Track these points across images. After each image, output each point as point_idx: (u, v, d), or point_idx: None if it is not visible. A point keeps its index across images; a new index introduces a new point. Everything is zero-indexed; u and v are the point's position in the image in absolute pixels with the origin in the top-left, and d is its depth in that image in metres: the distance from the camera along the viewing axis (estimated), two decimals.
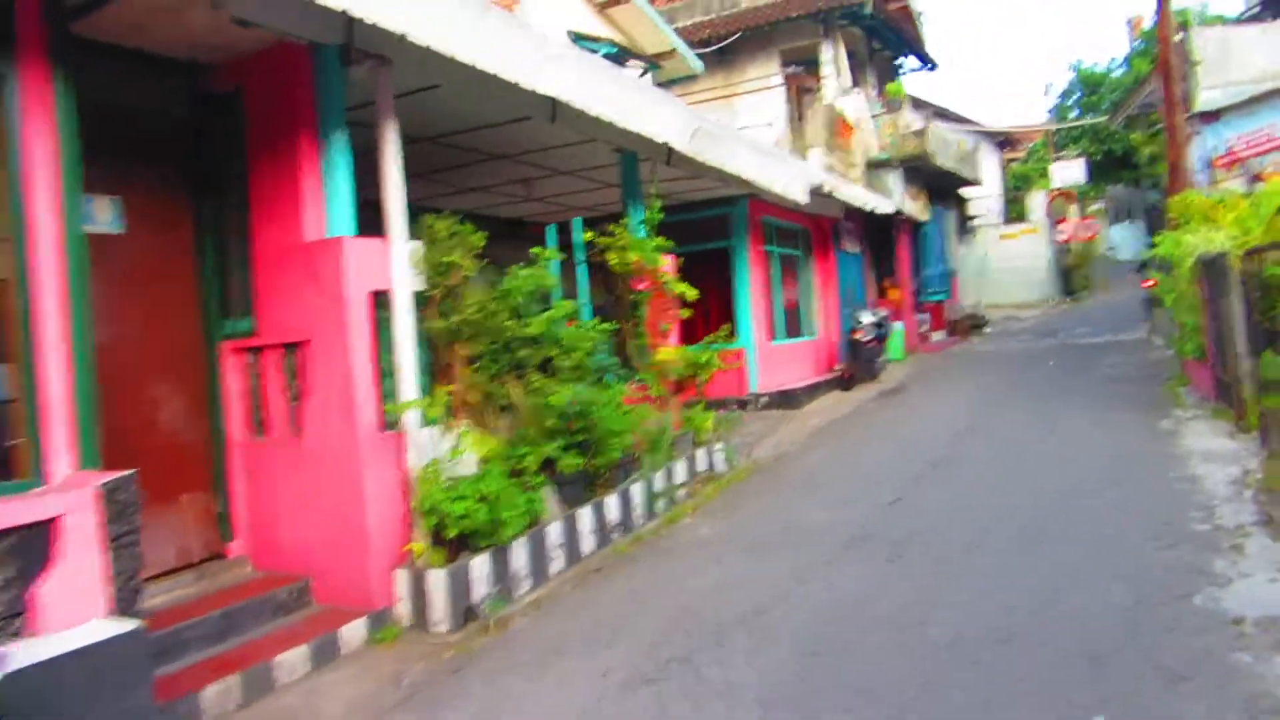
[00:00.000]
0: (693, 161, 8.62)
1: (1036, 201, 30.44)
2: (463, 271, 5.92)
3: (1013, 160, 44.32)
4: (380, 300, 5.36)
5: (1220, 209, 10.27)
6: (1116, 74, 38.28)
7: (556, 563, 6.10)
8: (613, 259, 7.74)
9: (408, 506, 5.34)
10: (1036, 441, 8.96)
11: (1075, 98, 40.94)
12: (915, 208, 20.57)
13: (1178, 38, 13.97)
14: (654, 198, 8.44)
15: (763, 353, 13.27)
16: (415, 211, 5.81)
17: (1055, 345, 18.28)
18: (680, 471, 8.11)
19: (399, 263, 5.44)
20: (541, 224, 12.00)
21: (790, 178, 10.52)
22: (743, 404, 12.99)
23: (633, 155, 8.99)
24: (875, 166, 19.71)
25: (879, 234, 20.11)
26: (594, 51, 15.24)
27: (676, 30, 20.44)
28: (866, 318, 15.01)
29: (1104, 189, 39.95)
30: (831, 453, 9.77)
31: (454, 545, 5.31)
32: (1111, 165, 38.14)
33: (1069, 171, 30.47)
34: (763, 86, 19.61)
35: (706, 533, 6.97)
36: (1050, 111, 38.46)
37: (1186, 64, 14.29)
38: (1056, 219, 29.58)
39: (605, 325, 7.49)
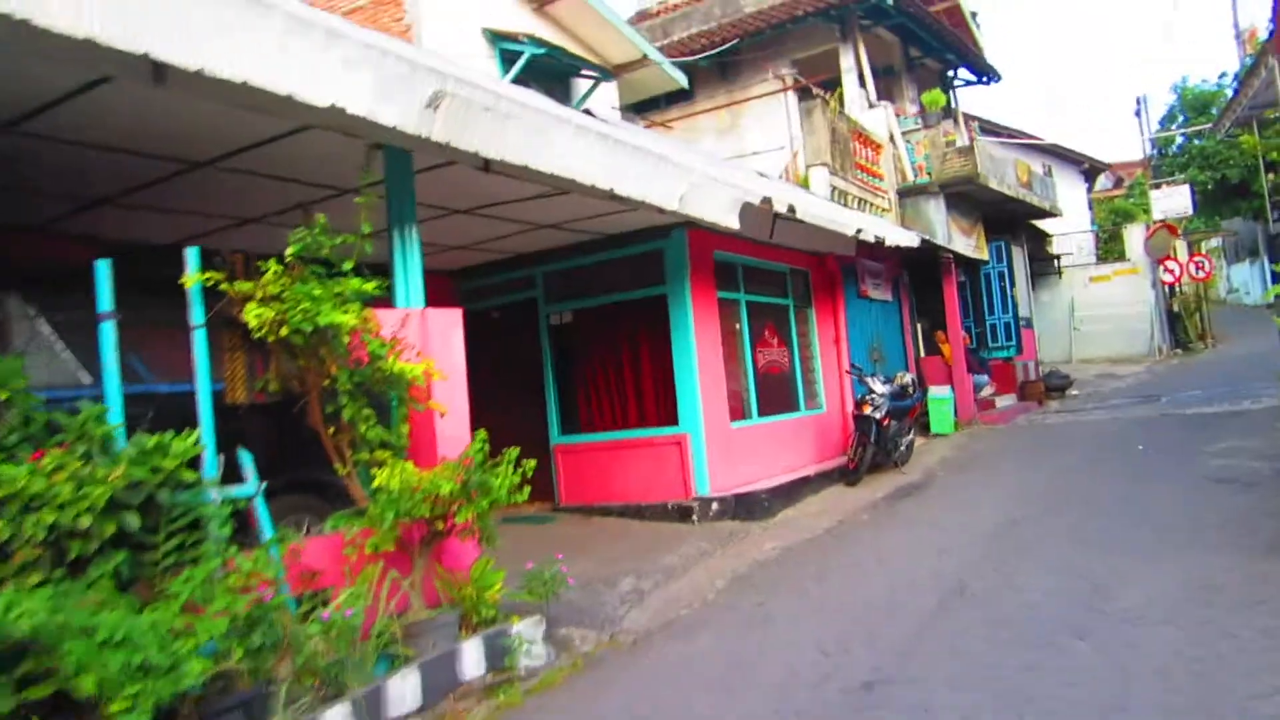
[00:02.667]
0: (460, 152, 5.19)
1: (1134, 237, 25.78)
2: None
3: (1112, 197, 39.37)
4: None
5: None
6: (1229, 94, 33.37)
7: None
8: (255, 317, 4.27)
9: None
10: (1069, 633, 5.03)
11: (1179, 122, 35.96)
12: (966, 244, 16.57)
13: None
14: (365, 208, 5.01)
15: (718, 439, 9.59)
16: None
17: (1153, 417, 13.91)
18: (407, 690, 4.54)
19: None
20: None
21: (694, 190, 6.95)
22: (685, 513, 9.28)
23: (398, 151, 5.65)
24: (912, 194, 15.88)
25: (925, 277, 16.17)
26: (517, 54, 12.13)
27: (674, 43, 17.27)
28: (879, 386, 11.15)
29: (1217, 223, 34.67)
30: (745, 623, 6.01)
31: None
32: (1226, 194, 32.95)
33: (1172, 201, 25.79)
34: (767, 102, 16.14)
35: None
36: (1150, 140, 33.71)
37: None
38: (1159, 257, 24.88)
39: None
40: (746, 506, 9.30)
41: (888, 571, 6.79)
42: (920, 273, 16.15)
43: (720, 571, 7.31)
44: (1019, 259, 19.31)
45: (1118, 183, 41.81)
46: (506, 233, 8.92)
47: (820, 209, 9.84)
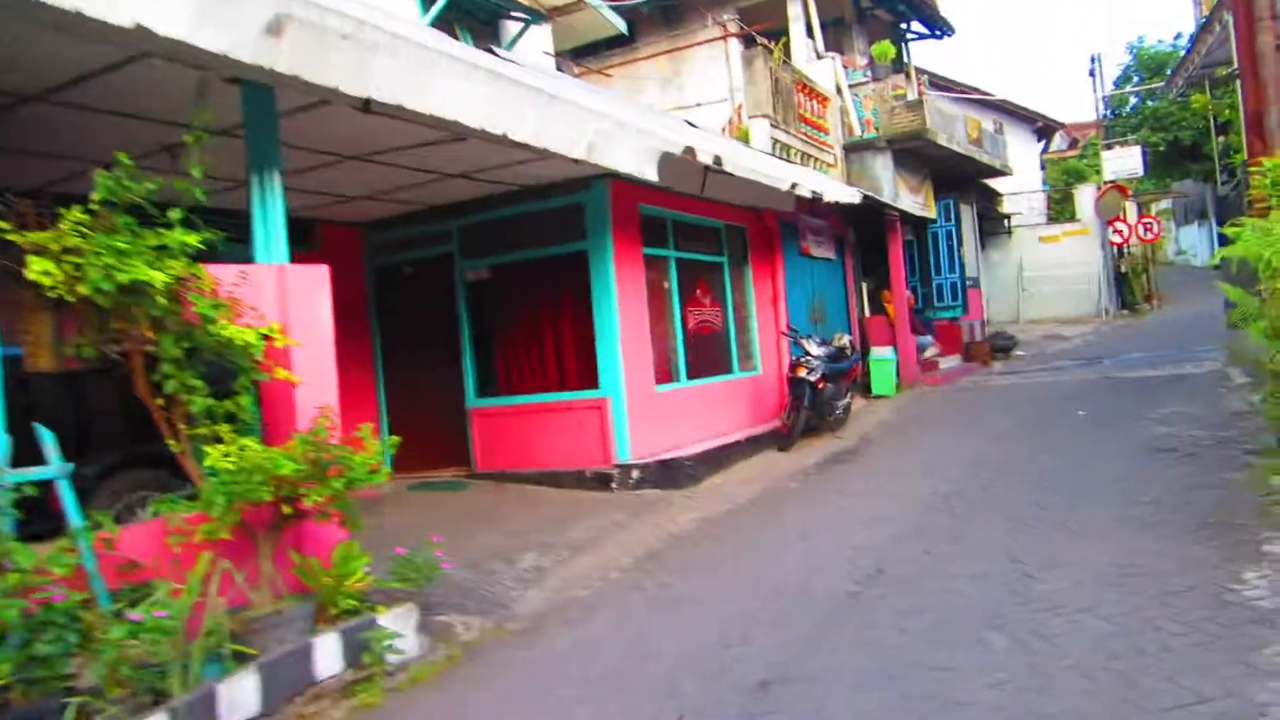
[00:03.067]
0: (327, 90, 4.53)
1: (1085, 197, 25.57)
2: None
3: (1066, 157, 39.24)
4: None
5: None
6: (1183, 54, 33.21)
7: None
8: (43, 273, 3.61)
9: None
10: (987, 624, 4.62)
11: (1134, 83, 35.81)
12: (913, 202, 16.13)
13: None
14: (195, 147, 4.36)
15: (641, 403, 9.09)
16: None
17: (1095, 380, 13.67)
18: (244, 693, 4.00)
19: None
20: None
21: (603, 137, 6.35)
22: (604, 481, 8.79)
23: (256, 87, 4.96)
24: (858, 149, 15.38)
25: (871, 235, 15.72)
26: None
27: None
28: (815, 348, 10.71)
29: (1168, 184, 34.70)
30: (647, 605, 5.55)
31: None
32: (1177, 157, 33.03)
33: (1123, 161, 25.60)
34: (711, 50, 15.47)
35: None
36: (1104, 99, 33.44)
37: None
38: (1109, 218, 24.69)
39: None
40: (670, 474, 8.83)
41: (807, 548, 6.35)
42: (866, 231, 15.71)
43: (631, 546, 6.83)
44: (968, 218, 18.96)
45: (1072, 144, 41.67)
46: (410, 182, 8.25)
47: (752, 162, 9.27)
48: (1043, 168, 31.57)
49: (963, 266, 17.50)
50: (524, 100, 5.60)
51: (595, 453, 8.93)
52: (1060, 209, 28.16)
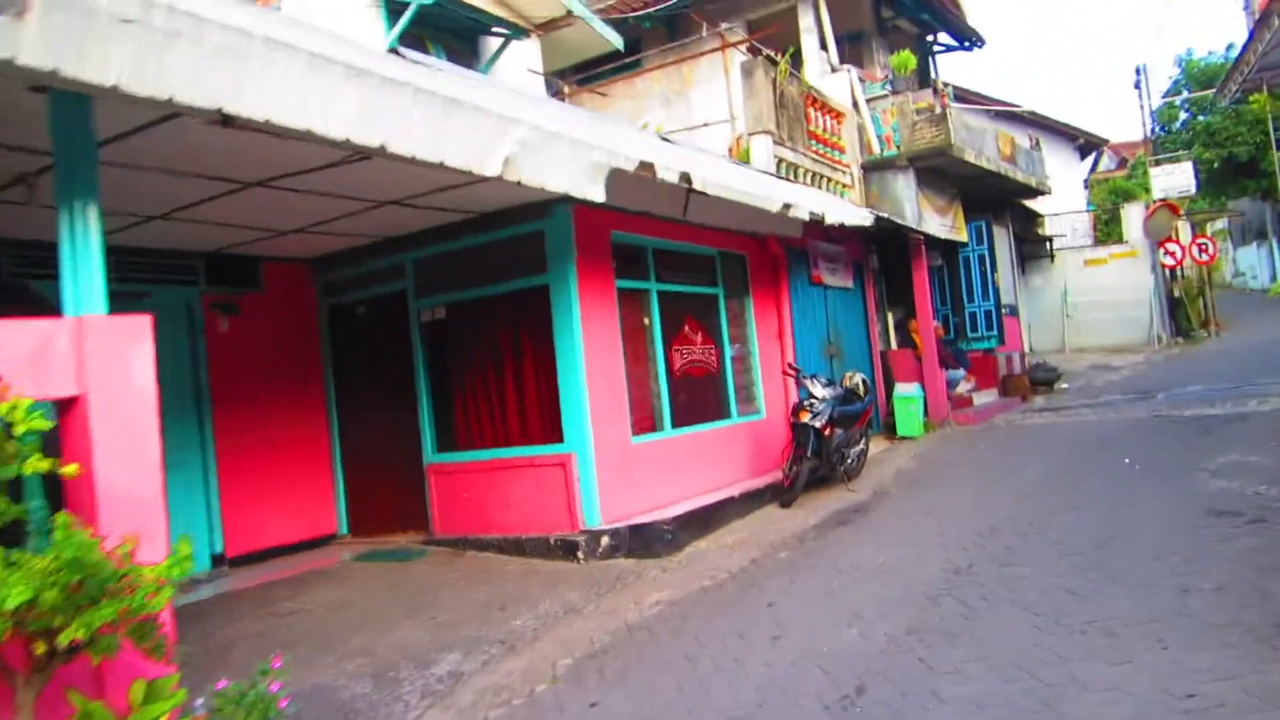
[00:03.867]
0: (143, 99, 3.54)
1: (1133, 217, 24.00)
2: None
3: (1114, 178, 37.49)
4: None
5: None
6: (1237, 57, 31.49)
7: None
8: None
9: None
10: None
11: (1183, 98, 34.10)
12: (940, 224, 14.89)
13: None
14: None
15: (613, 458, 7.97)
16: None
17: (1145, 419, 12.24)
18: None
19: None
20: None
21: (527, 149, 5.29)
22: (570, 549, 7.66)
23: (66, 96, 3.99)
24: (878, 168, 14.21)
25: (897, 261, 14.48)
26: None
27: (609, 5, 15.54)
28: (820, 389, 9.50)
29: (1224, 203, 32.85)
30: None
31: None
32: (1233, 173, 31.23)
33: (1174, 178, 24.01)
34: (711, 63, 14.42)
35: None
36: (1152, 115, 31.79)
37: None
38: (1160, 239, 23.11)
39: None
40: (645, 540, 7.68)
41: (777, 652, 5.15)
42: (891, 257, 14.48)
43: (574, 642, 5.68)
44: (1002, 241, 17.60)
45: (1121, 164, 39.93)
46: (342, 212, 7.28)
47: (734, 180, 8.16)
48: (1087, 187, 30.01)
49: (997, 293, 16.14)
50: (407, 104, 4.57)
51: (560, 516, 7.81)
52: (1107, 230, 26.57)
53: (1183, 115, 33.91)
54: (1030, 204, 21.18)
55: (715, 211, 8.90)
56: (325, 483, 9.31)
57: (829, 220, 9.54)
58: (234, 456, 8.44)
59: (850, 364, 13.07)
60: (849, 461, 9.92)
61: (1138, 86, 27.64)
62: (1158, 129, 32.35)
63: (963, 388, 15.03)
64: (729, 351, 10.11)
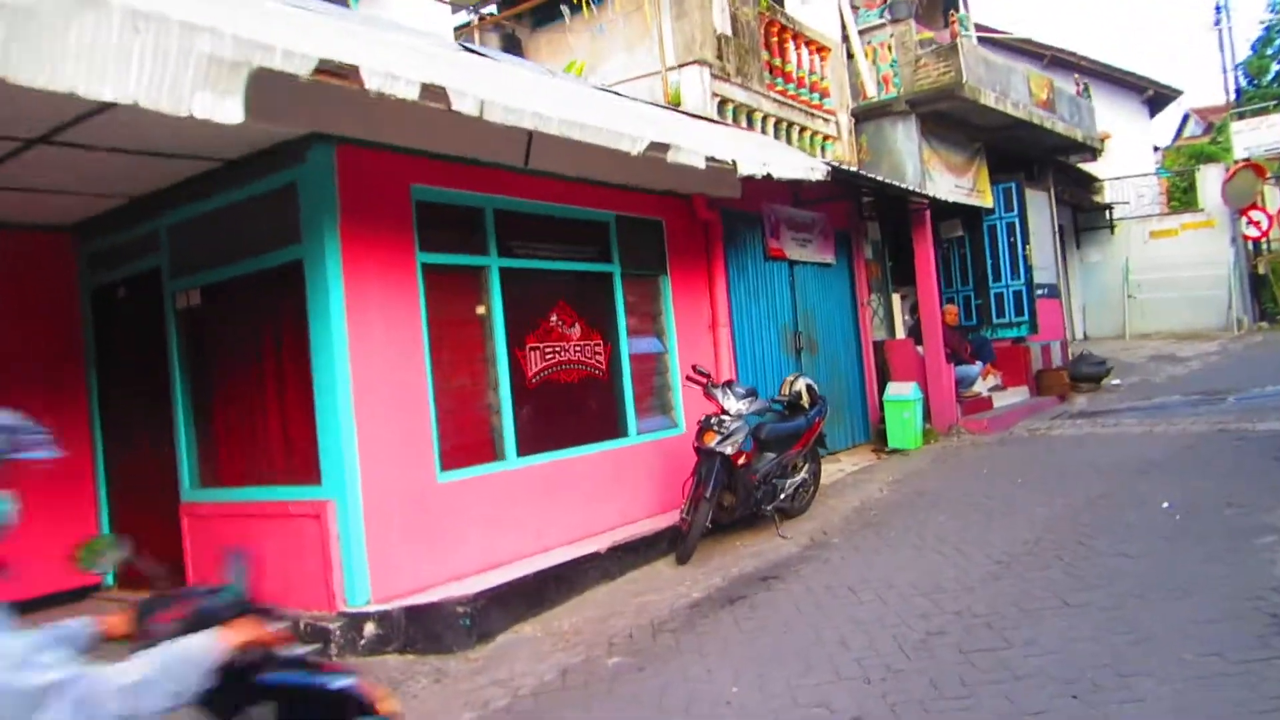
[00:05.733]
0: None
1: (1209, 181, 20.60)
2: None
3: (1195, 143, 33.53)
4: None
5: None
6: None
7: None
8: None
9: None
10: None
11: (1277, 46, 30.10)
12: (955, 185, 12.10)
13: None
14: None
15: (402, 505, 5.59)
16: None
17: (1206, 433, 9.38)
18: None
19: None
20: None
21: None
22: (323, 639, 5.31)
23: None
24: (873, 116, 11.50)
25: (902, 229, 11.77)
26: None
27: None
28: (734, 402, 6.97)
29: None
30: None
31: None
32: None
33: (1260, 134, 20.53)
34: None
35: None
36: (1238, 67, 27.96)
37: None
38: (1242, 206, 19.71)
39: None
40: (431, 627, 5.32)
41: None
42: (904, 226, 11.73)
43: None
44: (1039, 206, 14.60)
45: (1207, 129, 35.80)
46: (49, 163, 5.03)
47: (598, 114, 5.63)
48: (1156, 149, 26.45)
49: (1029, 270, 13.26)
50: None
51: (316, 589, 5.48)
52: (1182, 199, 23.08)
53: (1275, 67, 29.94)
54: (1086, 167, 18.06)
55: (587, 161, 6.40)
56: (86, 517, 7.13)
57: (743, 171, 6.92)
58: None
59: (827, 358, 10.47)
60: (781, 496, 7.37)
61: (1217, 24, 23.98)
62: (1246, 82, 28.50)
63: (980, 386, 12.26)
64: (626, 348, 7.62)
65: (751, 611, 5.48)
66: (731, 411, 6.91)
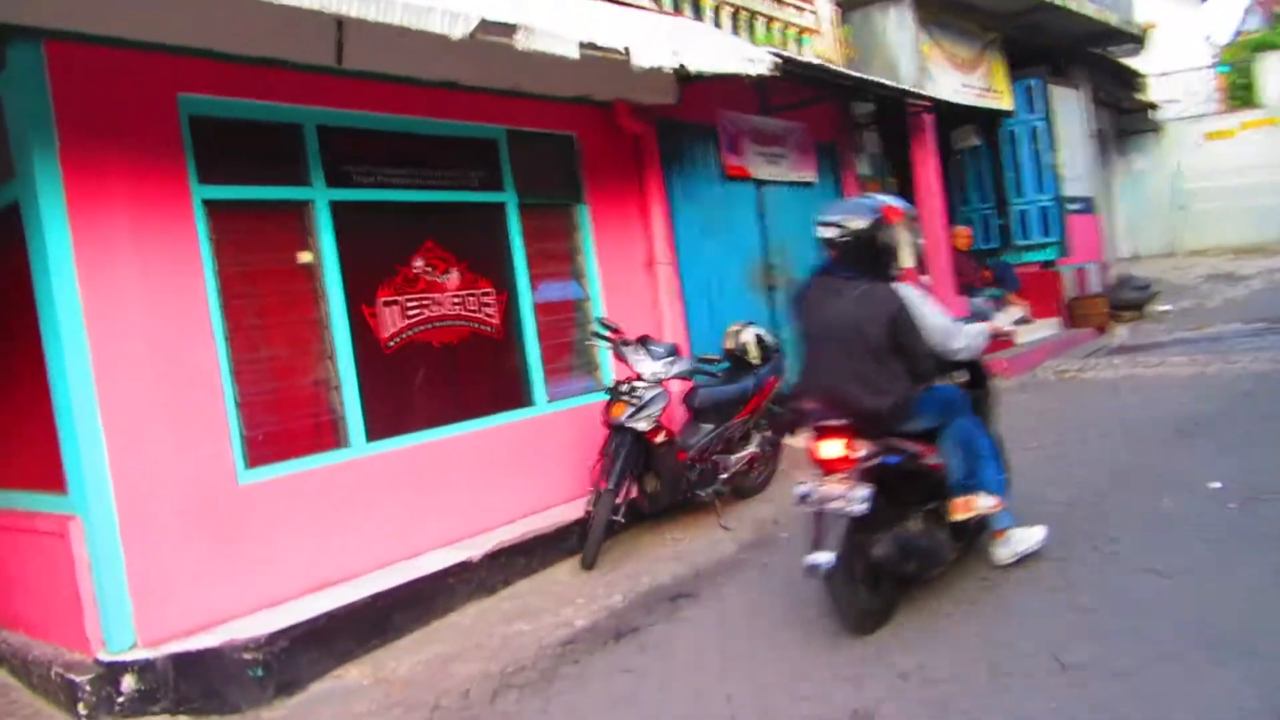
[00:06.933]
0: None
1: (1271, 72, 18.23)
2: None
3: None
4: None
5: None
6: None
7: None
8: None
9: None
10: None
11: None
12: (961, 83, 10.25)
13: None
14: None
15: (183, 516, 4.24)
16: None
17: (1273, 376, 7.67)
18: None
19: None
20: None
21: None
22: (70, 695, 4.01)
23: None
24: (858, 4, 9.67)
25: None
26: None
27: None
28: (648, 364, 5.49)
29: None
30: None
31: None
32: None
33: None
34: None
35: None
36: None
37: None
38: None
39: None
40: (208, 681, 3.99)
41: None
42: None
43: None
44: (1069, 106, 12.59)
45: (1270, 20, 32.53)
46: None
47: None
48: (1209, 40, 23.81)
49: (1058, 182, 11.41)
50: None
51: (70, 625, 4.17)
52: (1242, 96, 20.59)
53: None
54: (1127, 62, 15.86)
55: (430, 57, 4.82)
56: None
57: (641, 62, 5.23)
58: None
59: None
60: (723, 477, 5.89)
61: None
62: None
63: (1001, 320, 10.51)
64: (528, 297, 6.12)
65: (637, 654, 4.06)
66: (647, 376, 5.41)
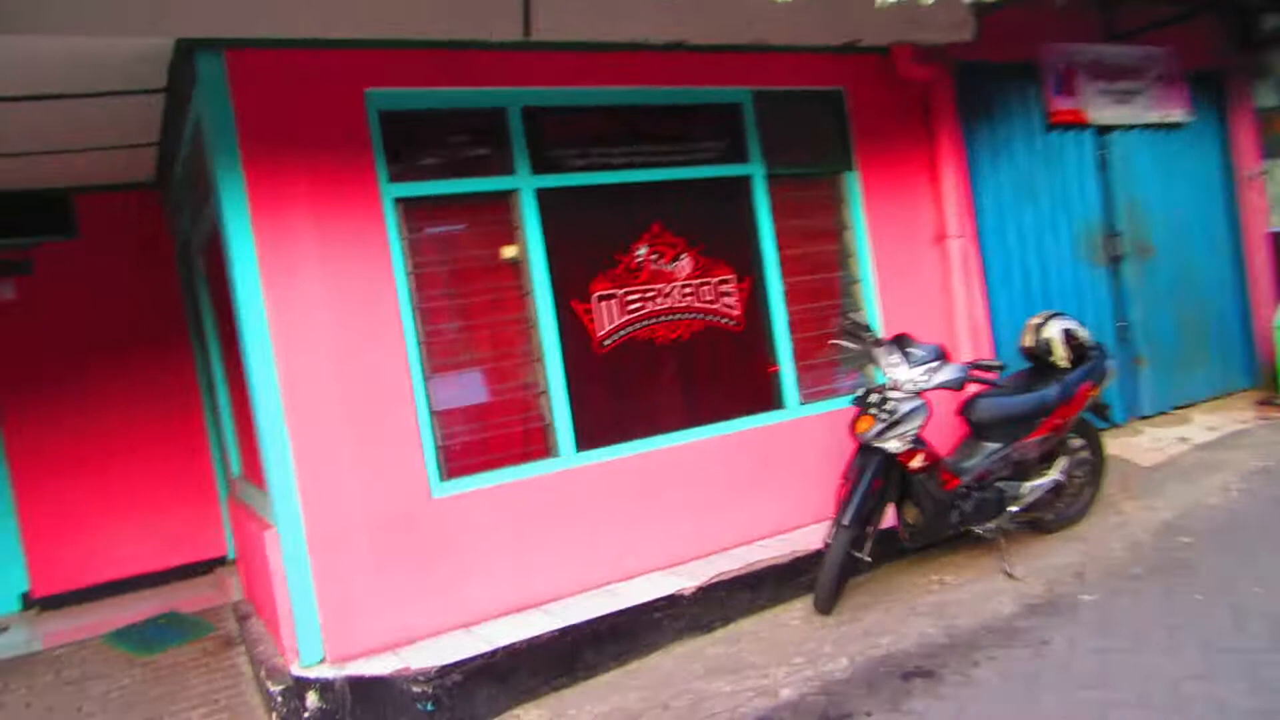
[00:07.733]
0: None
1: None
2: None
3: None
4: None
5: None
6: None
7: None
8: None
9: None
10: None
11: None
12: None
13: None
14: None
15: (381, 527, 4.08)
16: None
17: None
18: None
19: None
20: None
21: None
22: (268, 701, 4.05)
23: None
24: None
25: None
26: None
27: None
28: (904, 371, 4.40)
29: None
30: None
31: None
32: None
33: None
34: None
35: None
36: None
37: None
38: None
39: None
40: (380, 711, 3.84)
41: None
42: None
43: None
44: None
45: None
46: None
47: None
48: None
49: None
50: None
51: (279, 630, 4.22)
52: None
53: None
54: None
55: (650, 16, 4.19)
56: (203, 487, 6.62)
57: None
58: (38, 466, 6.18)
59: (1172, 267, 7.02)
60: (1011, 510, 4.67)
61: None
62: None
63: None
64: (778, 284, 5.29)
65: None
66: (904, 385, 4.37)
